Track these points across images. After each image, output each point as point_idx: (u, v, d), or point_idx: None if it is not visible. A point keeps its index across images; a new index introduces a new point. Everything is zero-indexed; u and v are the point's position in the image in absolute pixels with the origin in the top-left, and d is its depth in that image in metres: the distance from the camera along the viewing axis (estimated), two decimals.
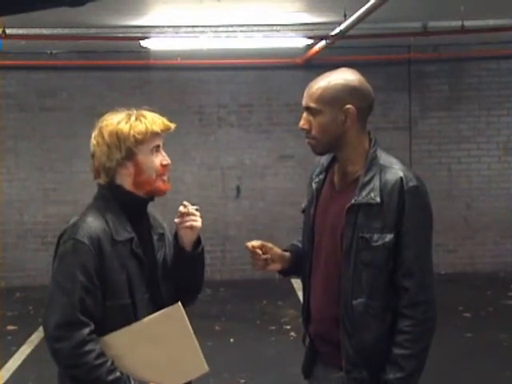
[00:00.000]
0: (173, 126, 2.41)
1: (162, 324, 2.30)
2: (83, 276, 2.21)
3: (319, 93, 2.35)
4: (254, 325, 6.95)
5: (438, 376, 4.97)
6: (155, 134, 2.34)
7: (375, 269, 2.33)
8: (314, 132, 2.39)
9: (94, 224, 2.29)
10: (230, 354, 6.06)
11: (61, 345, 2.19)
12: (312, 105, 2.36)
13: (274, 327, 6.79)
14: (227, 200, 9.01)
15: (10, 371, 5.72)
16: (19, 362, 5.91)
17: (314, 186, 2.53)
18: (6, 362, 5.91)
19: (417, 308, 2.30)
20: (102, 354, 2.21)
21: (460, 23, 6.15)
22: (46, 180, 8.80)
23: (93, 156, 2.37)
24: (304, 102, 2.40)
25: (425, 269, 2.35)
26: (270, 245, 2.51)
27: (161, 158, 2.37)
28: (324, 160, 2.57)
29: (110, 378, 2.20)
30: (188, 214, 2.40)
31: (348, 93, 2.35)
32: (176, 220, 2.42)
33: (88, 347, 2.18)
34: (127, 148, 2.30)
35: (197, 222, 2.41)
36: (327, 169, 2.54)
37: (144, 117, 2.35)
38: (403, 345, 2.30)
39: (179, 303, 2.31)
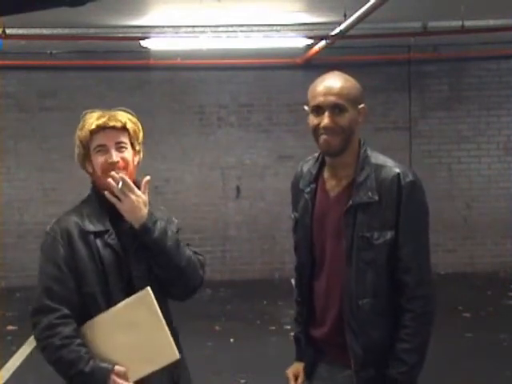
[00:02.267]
0: (110, 123, 2.49)
1: (132, 310, 2.30)
2: (51, 266, 2.33)
3: (347, 92, 2.37)
4: (254, 325, 6.94)
5: (438, 376, 4.96)
6: (92, 133, 2.48)
7: (378, 267, 2.35)
8: (339, 130, 2.36)
9: (67, 217, 2.41)
10: (230, 354, 6.06)
11: (34, 331, 2.32)
12: (341, 102, 2.35)
13: (273, 327, 6.79)
14: (227, 200, 9.00)
15: (10, 371, 5.72)
16: (19, 361, 5.91)
17: (306, 196, 2.52)
18: (5, 361, 5.90)
19: (416, 302, 2.33)
20: (69, 337, 2.26)
21: (460, 23, 6.15)
22: (46, 180, 8.80)
23: None
24: (329, 100, 2.35)
25: (422, 264, 2.37)
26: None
27: (106, 157, 2.42)
28: (311, 168, 2.56)
29: (71, 356, 2.24)
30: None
31: (360, 93, 2.42)
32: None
33: (54, 330, 2.26)
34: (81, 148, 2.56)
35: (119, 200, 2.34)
36: (315, 178, 2.53)
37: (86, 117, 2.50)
38: (404, 339, 2.33)
39: (148, 288, 2.29)
